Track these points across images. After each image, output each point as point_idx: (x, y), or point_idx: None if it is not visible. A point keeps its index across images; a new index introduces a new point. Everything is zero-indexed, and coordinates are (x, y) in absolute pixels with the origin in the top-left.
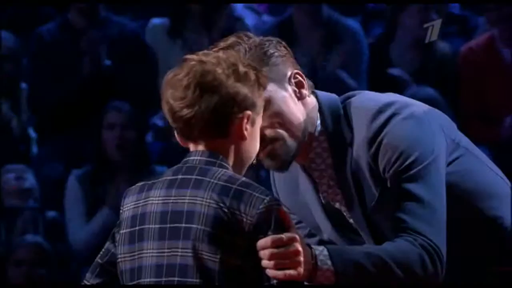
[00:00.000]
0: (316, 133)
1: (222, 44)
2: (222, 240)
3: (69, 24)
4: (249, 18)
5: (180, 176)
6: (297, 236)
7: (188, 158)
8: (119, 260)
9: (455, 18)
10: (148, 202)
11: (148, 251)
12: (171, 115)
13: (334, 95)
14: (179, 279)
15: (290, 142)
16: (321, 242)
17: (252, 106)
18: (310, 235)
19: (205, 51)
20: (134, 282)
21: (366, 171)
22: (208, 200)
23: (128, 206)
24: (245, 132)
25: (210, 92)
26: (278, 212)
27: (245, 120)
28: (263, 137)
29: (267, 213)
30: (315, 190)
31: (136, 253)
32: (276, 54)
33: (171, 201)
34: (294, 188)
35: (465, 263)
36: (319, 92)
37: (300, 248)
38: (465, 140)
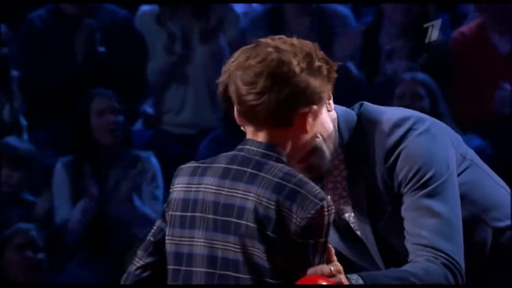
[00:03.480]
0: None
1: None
2: (269, 238)
3: (60, 11)
4: (239, 5)
5: (235, 167)
6: (341, 268)
7: (243, 146)
8: (168, 241)
9: (446, 5)
10: (201, 188)
11: (200, 240)
12: (236, 97)
13: (347, 108)
14: (233, 274)
15: (327, 153)
16: None
17: (318, 100)
18: None
19: (280, 36)
20: (183, 268)
21: (380, 185)
22: (260, 198)
23: (180, 187)
24: (308, 125)
25: (282, 83)
26: (330, 217)
27: (310, 114)
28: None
29: (317, 219)
30: None
31: (186, 239)
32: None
33: (224, 192)
34: None
35: (470, 273)
36: (334, 105)
37: (344, 280)
38: (470, 152)
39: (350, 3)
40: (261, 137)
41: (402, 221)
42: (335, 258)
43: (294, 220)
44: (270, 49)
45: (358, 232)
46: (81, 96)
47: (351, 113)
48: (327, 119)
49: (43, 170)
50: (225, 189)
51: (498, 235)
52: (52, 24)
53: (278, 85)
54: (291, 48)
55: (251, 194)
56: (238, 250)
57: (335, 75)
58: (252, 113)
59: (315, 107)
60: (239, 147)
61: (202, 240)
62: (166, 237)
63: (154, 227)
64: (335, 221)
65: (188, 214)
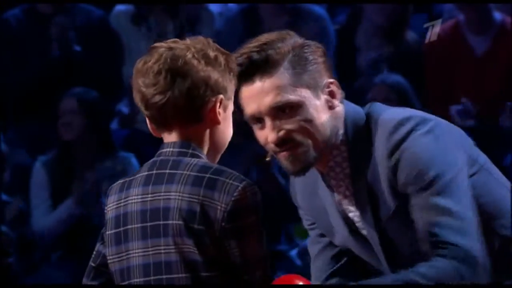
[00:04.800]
0: (338, 142)
1: (264, 38)
2: (197, 231)
3: (36, 10)
4: (215, 5)
5: (154, 171)
6: None
7: (161, 151)
8: (109, 261)
9: (421, 5)
10: (128, 201)
11: (134, 251)
12: (143, 103)
13: (358, 107)
14: (166, 276)
15: (312, 151)
16: (331, 245)
17: (223, 90)
18: (321, 235)
19: (174, 39)
20: (125, 283)
21: (384, 184)
22: (181, 194)
23: (111, 206)
24: (219, 116)
25: (182, 76)
26: (255, 196)
27: (218, 104)
28: (286, 139)
29: (242, 200)
30: (333, 197)
31: (123, 254)
32: (316, 60)
33: (148, 198)
34: (313, 191)
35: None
36: (345, 102)
37: None
38: (482, 158)
39: (325, 3)
40: (176, 137)
41: (406, 221)
42: None
43: (219, 207)
44: (163, 49)
45: (364, 231)
46: (55, 95)
47: (360, 112)
48: (322, 117)
49: (17, 169)
50: (149, 195)
51: (506, 244)
52: (27, 24)
53: (179, 79)
54: (184, 45)
55: (172, 193)
56: (172, 251)
57: (234, 65)
58: (162, 114)
59: (221, 96)
60: (158, 152)
61: (136, 251)
62: (108, 257)
63: (94, 252)
64: (343, 218)
65: (121, 229)
